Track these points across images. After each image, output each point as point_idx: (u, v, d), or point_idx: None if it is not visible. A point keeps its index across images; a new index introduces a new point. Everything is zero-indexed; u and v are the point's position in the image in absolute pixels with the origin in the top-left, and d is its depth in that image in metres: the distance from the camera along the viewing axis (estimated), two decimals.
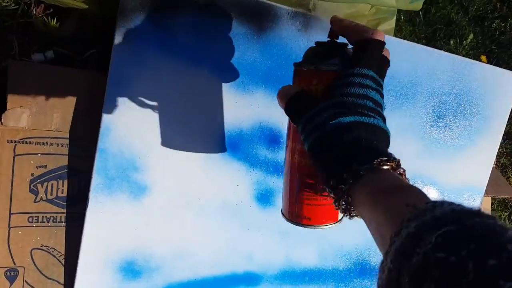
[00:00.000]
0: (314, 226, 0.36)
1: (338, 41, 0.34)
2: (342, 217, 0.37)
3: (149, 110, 0.53)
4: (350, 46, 0.33)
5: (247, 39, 0.54)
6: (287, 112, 0.33)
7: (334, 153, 0.28)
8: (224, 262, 0.59)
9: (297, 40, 0.56)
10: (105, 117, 0.51)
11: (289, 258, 0.62)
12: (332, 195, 0.29)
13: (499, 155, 1.07)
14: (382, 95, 0.31)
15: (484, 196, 0.75)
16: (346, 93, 0.29)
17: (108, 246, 0.54)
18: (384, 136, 0.30)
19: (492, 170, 0.70)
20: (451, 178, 0.67)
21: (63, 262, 0.55)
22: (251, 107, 0.56)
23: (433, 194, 0.67)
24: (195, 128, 0.54)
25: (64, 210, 0.56)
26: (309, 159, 0.33)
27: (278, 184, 0.59)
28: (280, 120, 0.57)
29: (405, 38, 1.05)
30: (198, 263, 0.58)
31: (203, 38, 0.53)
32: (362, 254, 0.65)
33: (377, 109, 0.30)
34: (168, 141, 0.54)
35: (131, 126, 0.52)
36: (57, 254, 0.55)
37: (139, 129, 0.53)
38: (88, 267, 0.54)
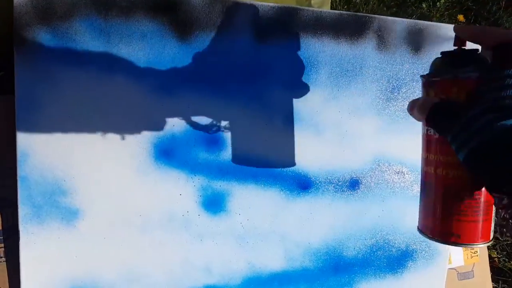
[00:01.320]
0: (465, 244, 0.34)
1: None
2: (493, 237, 0.35)
3: (66, 128, 0.49)
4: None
5: (162, 37, 0.50)
6: (432, 122, 0.32)
7: (508, 158, 0.26)
8: (181, 279, 0.55)
9: (219, 32, 0.51)
10: (20, 143, 0.48)
11: (252, 264, 0.57)
12: (505, 201, 0.27)
13: None
14: None
15: None
16: (502, 96, 0.28)
17: (50, 279, 0.51)
18: None
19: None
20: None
21: None
22: (179, 109, 0.51)
23: (404, 170, 0.60)
24: (120, 140, 0.50)
25: (2, 244, 0.53)
26: (458, 170, 0.32)
27: (225, 187, 0.54)
28: (216, 118, 0.53)
29: (373, 10, 0.97)
30: (152, 285, 0.54)
31: (112, 42, 0.48)
32: (334, 250, 0.59)
33: None
34: (93, 157, 0.50)
35: (50, 148, 0.49)
36: None
37: (59, 150, 0.49)
38: None
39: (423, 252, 0.63)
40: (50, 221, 0.50)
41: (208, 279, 0.56)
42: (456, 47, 0.33)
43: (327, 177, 0.57)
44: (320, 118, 0.56)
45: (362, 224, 0.60)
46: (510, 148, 0.26)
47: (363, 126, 0.57)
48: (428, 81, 0.33)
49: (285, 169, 0.56)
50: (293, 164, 0.56)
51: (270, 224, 0.57)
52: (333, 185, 0.58)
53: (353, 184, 0.58)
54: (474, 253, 0.71)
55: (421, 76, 0.34)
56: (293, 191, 0.57)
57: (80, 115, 0.49)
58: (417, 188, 0.60)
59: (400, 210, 0.61)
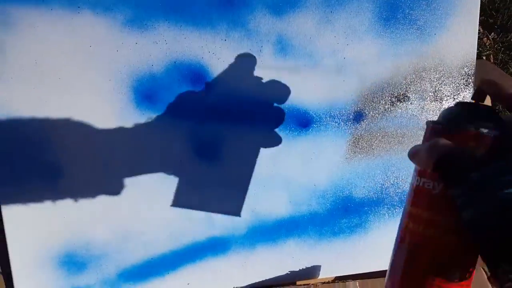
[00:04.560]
0: None
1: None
2: None
3: (35, 76, 0.44)
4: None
5: None
6: (441, 169, 0.27)
7: None
8: (181, 233, 0.52)
9: None
10: None
11: (256, 212, 0.53)
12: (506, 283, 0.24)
13: (495, 51, 0.92)
14: None
15: None
16: None
17: (39, 242, 0.48)
18: None
19: (484, 64, 0.57)
20: (427, 81, 0.55)
21: None
22: (156, 45, 0.46)
23: (412, 97, 0.55)
24: (95, 86, 0.46)
25: None
26: (453, 235, 0.28)
27: (218, 131, 0.50)
28: (198, 53, 0.47)
29: None
30: (150, 241, 0.51)
31: None
32: (342, 190, 0.55)
33: None
34: (68, 107, 0.45)
35: (19, 99, 0.44)
36: None
37: (30, 101, 0.44)
38: (25, 270, 0.48)
39: None
40: (28, 180, 0.46)
41: (210, 231, 0.52)
42: (474, 101, 0.30)
43: (328, 112, 0.52)
44: (314, 46, 0.50)
45: (370, 160, 0.55)
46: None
47: (362, 51, 0.52)
48: (439, 129, 0.29)
49: (281, 106, 0.51)
50: (289, 100, 0.51)
51: (271, 168, 0.52)
52: (335, 119, 0.53)
53: (357, 117, 0.54)
54: None
55: (431, 122, 0.30)
56: (293, 130, 0.52)
57: (47, 60, 0.44)
58: (425, 117, 0.55)
59: (411, 141, 0.56)
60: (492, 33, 0.88)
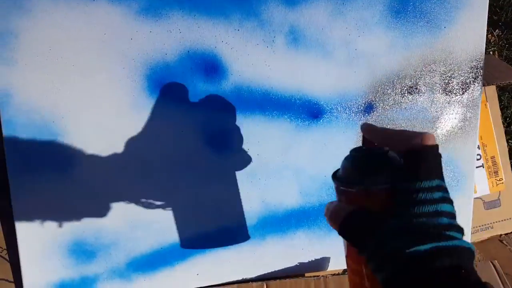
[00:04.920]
0: None
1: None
2: None
3: (49, 62, 0.44)
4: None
5: None
6: (345, 237, 0.28)
7: None
8: (191, 223, 0.52)
9: None
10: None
11: (266, 202, 0.53)
12: None
13: (500, 48, 0.93)
14: (451, 202, 0.27)
15: (485, 86, 0.63)
16: (414, 213, 0.25)
17: (48, 230, 0.47)
18: (470, 256, 0.25)
19: (490, 58, 0.57)
20: (437, 74, 0.55)
21: (7, 257, 0.49)
22: (170, 34, 0.46)
23: (422, 89, 0.55)
24: (108, 74, 0.46)
25: None
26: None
27: (230, 121, 0.50)
28: (212, 42, 0.48)
29: None
30: (161, 231, 0.51)
31: None
32: None
33: (454, 223, 0.26)
34: (81, 95, 0.45)
35: (33, 85, 0.44)
36: None
37: (44, 88, 0.44)
38: (33, 259, 0.47)
39: (448, 179, 0.59)
40: (42, 169, 0.46)
41: (221, 221, 0.52)
42: (364, 148, 0.30)
43: (339, 103, 0.53)
44: (326, 37, 0.51)
45: None
46: (419, 280, 0.23)
47: (373, 43, 0.52)
48: (337, 187, 0.29)
49: (293, 97, 0.51)
50: (301, 90, 0.51)
51: (282, 158, 0.53)
52: (346, 110, 0.53)
53: (368, 108, 0.54)
54: (499, 180, 0.67)
55: (332, 177, 0.30)
56: (304, 120, 0.52)
57: (61, 47, 0.44)
58: (434, 110, 0.55)
59: (423, 130, 0.56)
60: (497, 30, 0.89)
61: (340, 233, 0.28)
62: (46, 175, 0.46)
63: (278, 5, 0.49)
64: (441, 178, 0.27)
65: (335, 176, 0.30)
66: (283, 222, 0.54)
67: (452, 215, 0.26)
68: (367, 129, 0.30)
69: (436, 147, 0.27)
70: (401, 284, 0.24)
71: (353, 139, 0.54)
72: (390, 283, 0.25)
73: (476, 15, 0.55)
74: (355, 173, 0.28)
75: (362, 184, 0.27)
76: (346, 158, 0.29)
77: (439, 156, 0.27)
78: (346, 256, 0.30)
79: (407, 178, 0.26)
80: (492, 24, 0.87)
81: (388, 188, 0.26)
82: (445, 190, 0.27)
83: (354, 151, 0.29)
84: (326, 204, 0.30)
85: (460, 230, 0.26)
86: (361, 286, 0.29)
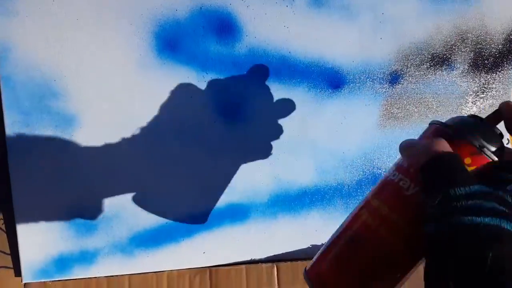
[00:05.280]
0: None
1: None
2: None
3: (51, 16, 0.41)
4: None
5: None
6: (429, 173, 0.26)
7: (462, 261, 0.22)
8: (200, 198, 0.48)
9: None
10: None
11: (280, 179, 0.49)
12: None
13: None
14: None
15: None
16: (509, 191, 0.24)
17: (46, 197, 0.44)
18: None
19: None
20: (468, 45, 0.50)
21: (3, 228, 0.46)
22: None
23: (454, 59, 0.51)
24: (115, 30, 0.42)
25: None
26: (404, 244, 0.26)
27: (243, 88, 0.46)
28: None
29: None
30: (165, 204, 0.47)
31: None
32: (372, 160, 0.51)
33: None
34: (85, 52, 0.42)
35: (33, 41, 0.41)
36: None
37: (45, 45, 0.41)
38: (30, 230, 0.44)
39: None
40: (42, 129, 0.43)
41: (230, 197, 0.49)
42: (487, 121, 0.29)
43: (362, 72, 0.49)
44: None
45: (406, 126, 0.51)
46: (481, 246, 0.22)
47: (402, 7, 0.48)
48: (447, 134, 0.28)
49: (312, 63, 0.47)
50: (321, 56, 0.47)
51: (298, 132, 0.49)
52: (369, 80, 0.49)
53: (393, 79, 0.49)
54: None
55: (437, 123, 0.29)
56: (323, 90, 0.48)
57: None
58: (467, 81, 0.51)
59: (447, 111, 0.52)
60: None
61: (424, 168, 0.26)
62: (46, 136, 0.43)
63: None
64: None
65: (441, 123, 0.29)
66: (296, 200, 0.50)
67: None
68: (509, 106, 0.29)
69: None
70: (447, 246, 0.22)
71: (376, 113, 0.50)
72: (434, 236, 0.23)
73: None
74: (473, 131, 0.27)
75: (477, 143, 0.27)
76: (466, 117, 0.29)
77: None
78: (375, 196, 0.28)
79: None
80: None
81: (493, 162, 0.26)
82: None
83: (473, 116, 0.29)
84: (406, 141, 0.28)
85: None
86: (373, 230, 0.27)
